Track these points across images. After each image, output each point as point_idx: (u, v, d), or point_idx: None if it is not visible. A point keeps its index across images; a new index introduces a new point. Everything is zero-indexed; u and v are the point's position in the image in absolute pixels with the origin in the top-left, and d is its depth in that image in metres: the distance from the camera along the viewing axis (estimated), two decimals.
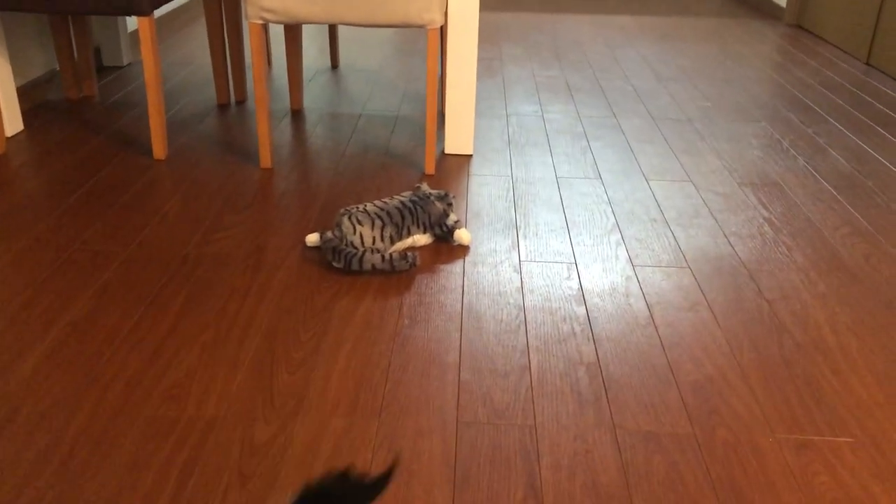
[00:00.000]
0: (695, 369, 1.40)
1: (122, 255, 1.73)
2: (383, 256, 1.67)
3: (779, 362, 1.43)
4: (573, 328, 1.52)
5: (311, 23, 2.04)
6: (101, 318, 1.50)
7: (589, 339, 1.48)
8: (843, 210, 2.05)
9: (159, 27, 3.78)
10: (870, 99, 2.99)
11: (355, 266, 1.67)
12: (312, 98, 2.84)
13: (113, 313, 1.52)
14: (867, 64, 3.50)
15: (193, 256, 1.73)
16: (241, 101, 2.76)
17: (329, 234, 1.72)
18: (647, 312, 1.58)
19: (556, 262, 1.76)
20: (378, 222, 1.73)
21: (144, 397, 1.30)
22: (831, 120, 2.74)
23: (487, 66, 3.32)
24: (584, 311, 1.58)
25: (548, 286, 1.67)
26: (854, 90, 3.10)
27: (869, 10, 3.50)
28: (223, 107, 2.71)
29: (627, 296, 1.64)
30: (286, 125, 2.56)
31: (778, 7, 4.41)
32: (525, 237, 1.88)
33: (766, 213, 2.02)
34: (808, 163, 2.36)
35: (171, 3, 4.02)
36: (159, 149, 2.23)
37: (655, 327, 1.53)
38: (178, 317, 1.52)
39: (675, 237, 1.89)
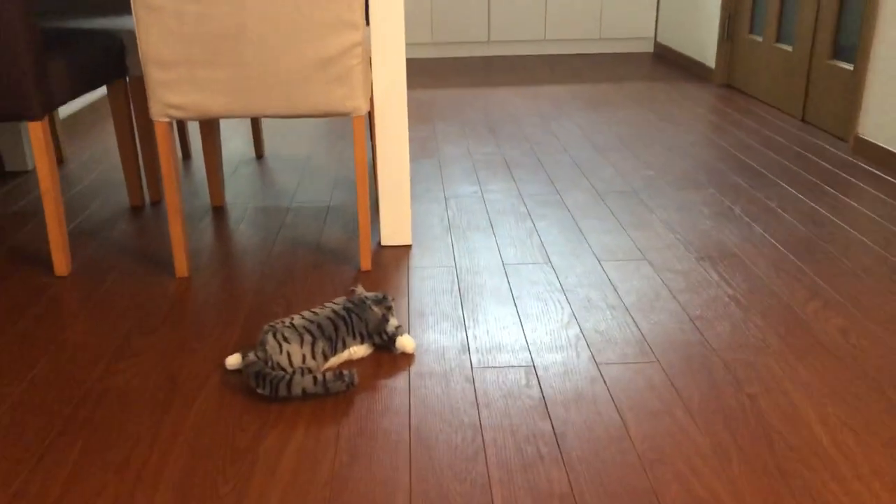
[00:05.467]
0: (683, 492, 1.22)
1: (10, 398, 1.48)
2: (315, 378, 1.46)
3: (773, 473, 1.25)
4: (539, 449, 1.32)
5: (225, 118, 1.86)
6: None
7: (558, 463, 1.29)
8: (810, 280, 1.93)
9: (71, 124, 3.56)
10: (814, 157, 2.94)
11: (283, 392, 1.45)
12: (235, 192, 2.64)
13: None
14: (803, 121, 3.48)
15: (94, 394, 1.49)
16: (156, 202, 2.55)
17: (252, 355, 1.50)
18: (620, 421, 1.39)
19: (513, 367, 1.57)
20: (308, 337, 1.52)
21: None
22: (780, 182, 2.66)
23: (421, 145, 3.19)
24: (550, 426, 1.38)
25: (505, 397, 1.47)
26: (796, 149, 3.04)
27: (798, 69, 3.50)
28: (137, 209, 2.49)
29: (595, 402, 1.45)
30: (206, 225, 2.35)
31: (707, 68, 4.43)
32: (475, 338, 1.69)
33: (730, 291, 1.88)
34: (763, 230, 2.25)
35: (83, 97, 3.81)
36: (61, 265, 1.99)
37: (631, 440, 1.34)
38: (71, 475, 1.27)
39: (637, 326, 1.73)
